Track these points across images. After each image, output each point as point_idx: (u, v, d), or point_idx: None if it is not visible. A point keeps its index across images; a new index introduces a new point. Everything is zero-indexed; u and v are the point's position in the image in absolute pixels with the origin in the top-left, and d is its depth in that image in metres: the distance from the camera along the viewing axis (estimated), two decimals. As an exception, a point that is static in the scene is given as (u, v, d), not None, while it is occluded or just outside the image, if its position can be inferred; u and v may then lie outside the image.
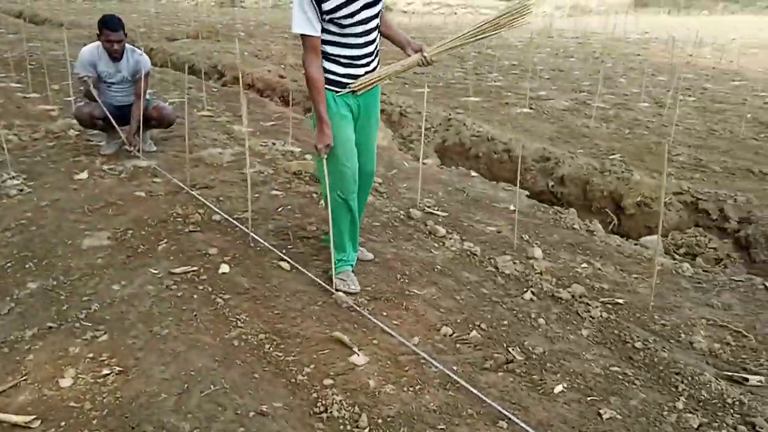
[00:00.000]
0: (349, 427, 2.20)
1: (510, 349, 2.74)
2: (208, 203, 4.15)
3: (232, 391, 2.37)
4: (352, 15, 2.68)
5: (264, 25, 18.86)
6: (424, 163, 5.71)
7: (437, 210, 4.39)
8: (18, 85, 7.86)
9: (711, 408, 2.39)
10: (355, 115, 2.96)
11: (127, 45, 4.81)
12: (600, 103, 8.25)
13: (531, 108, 7.84)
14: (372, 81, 2.89)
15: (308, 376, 2.47)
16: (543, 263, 3.60)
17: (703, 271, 3.77)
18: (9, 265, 3.22)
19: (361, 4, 2.69)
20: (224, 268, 3.32)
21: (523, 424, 2.23)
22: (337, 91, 2.85)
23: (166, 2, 30.42)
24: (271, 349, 2.64)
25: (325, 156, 2.88)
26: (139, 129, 4.96)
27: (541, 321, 3.00)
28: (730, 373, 2.61)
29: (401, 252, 3.66)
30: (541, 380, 2.54)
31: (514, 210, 4.59)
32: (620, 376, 2.59)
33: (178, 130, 5.67)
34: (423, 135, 4.45)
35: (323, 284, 3.17)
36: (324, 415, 2.25)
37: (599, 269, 3.62)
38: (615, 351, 2.78)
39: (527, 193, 5.21)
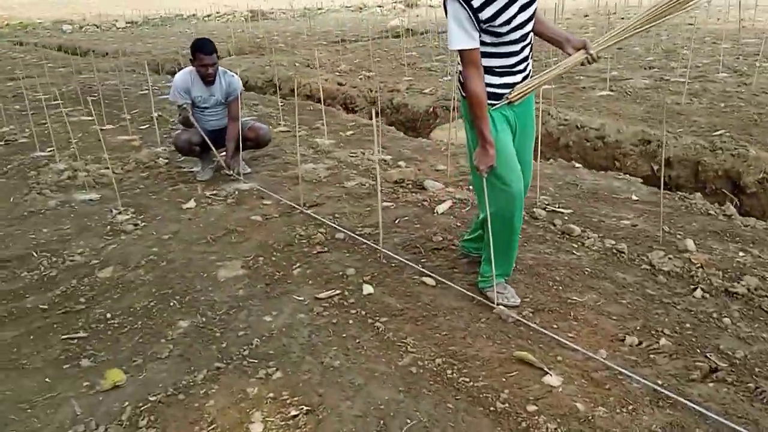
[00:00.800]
0: (576, 458, 2.03)
1: (708, 355, 2.53)
2: (327, 222, 4.03)
3: (432, 424, 2.22)
4: (509, 21, 2.47)
5: (300, 35, 18.82)
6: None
7: (559, 207, 4.18)
8: (89, 118, 7.92)
9: None
10: (512, 127, 2.76)
11: (219, 67, 4.73)
12: (679, 78, 7.88)
13: (612, 90, 7.53)
14: (529, 88, 2.66)
15: (508, 403, 2.30)
16: (700, 256, 3.36)
17: None
18: (153, 304, 3.14)
19: (518, 7, 2.48)
20: (368, 288, 3.18)
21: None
22: (493, 104, 2.64)
23: (196, 22, 30.74)
24: (454, 374, 2.48)
25: (486, 176, 2.69)
26: (238, 151, 4.88)
27: (726, 321, 2.77)
28: None
29: (542, 257, 3.47)
30: (757, 388, 2.32)
31: (637, 200, 4.35)
32: (844, 377, 2.35)
33: (264, 148, 5.58)
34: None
35: (478, 298, 3.00)
36: (544, 448, 2.08)
37: (759, 257, 3.36)
38: (823, 348, 2.54)
39: (640, 180, 4.95)
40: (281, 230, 3.95)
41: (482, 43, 2.51)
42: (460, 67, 2.59)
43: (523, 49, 2.61)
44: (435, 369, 2.53)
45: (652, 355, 2.55)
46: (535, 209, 4.10)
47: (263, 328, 2.88)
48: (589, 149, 6.07)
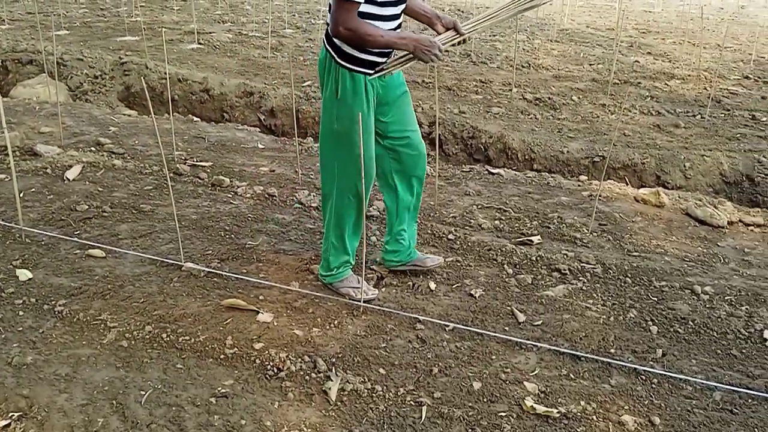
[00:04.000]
0: (313, 375, 2.32)
1: (372, 267, 3.09)
2: None
3: (169, 388, 2.20)
4: None
5: None
6: (128, 115, 5.31)
7: (198, 161, 4.26)
8: None
9: (527, 266, 3.20)
10: (380, 97, 2.60)
11: None
12: (253, 33, 8.52)
13: (200, 43, 7.68)
14: (403, 61, 2.52)
15: (235, 347, 2.42)
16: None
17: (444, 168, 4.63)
18: None
19: None
20: (24, 273, 2.80)
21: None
22: (369, 74, 2.49)
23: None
24: (171, 336, 2.46)
25: (441, 59, 2.49)
26: None
27: (377, 238, 3.40)
28: (519, 239, 3.47)
29: (203, 210, 3.56)
30: (414, 285, 2.98)
31: (264, 148, 4.75)
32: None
33: None
34: (168, 85, 4.18)
35: (160, 260, 2.96)
36: (283, 374, 2.30)
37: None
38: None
39: (258, 130, 5.34)
40: None
41: (368, 1, 2.34)
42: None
43: (399, 15, 2.51)
44: (148, 337, 2.45)
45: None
46: (177, 165, 4.09)
47: None
48: (196, 103, 6.18)
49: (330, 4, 2.39)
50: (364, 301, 2.73)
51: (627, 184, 4.67)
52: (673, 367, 2.48)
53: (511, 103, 6.14)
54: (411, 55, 2.48)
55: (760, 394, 2.33)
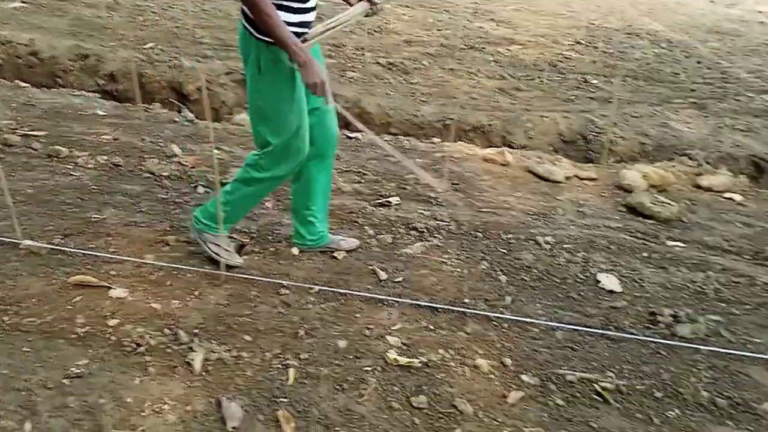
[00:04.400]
0: (175, 348, 2.24)
1: (234, 236, 3.02)
2: None
3: (17, 372, 2.03)
4: None
5: None
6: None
7: (30, 131, 3.87)
8: None
9: (387, 226, 3.29)
10: None
11: None
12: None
13: (24, 2, 6.88)
14: (322, 33, 2.37)
15: (88, 326, 2.27)
16: (188, 157, 3.78)
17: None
18: None
19: None
20: None
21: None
22: None
23: None
24: (14, 318, 2.27)
25: (325, 94, 2.33)
26: None
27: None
28: (379, 201, 3.55)
29: (40, 184, 3.27)
30: (276, 251, 2.96)
31: (105, 114, 4.41)
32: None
33: None
34: None
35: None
36: (142, 349, 2.20)
37: (231, 151, 4.01)
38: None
39: (98, 95, 4.94)
40: None
41: None
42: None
43: (313, 9, 2.39)
44: (-17, 322, 2.23)
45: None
46: (6, 135, 3.69)
47: None
48: (23, 67, 5.56)
49: None
50: (228, 268, 2.66)
51: (477, 145, 4.92)
52: (521, 312, 2.70)
53: (365, 67, 6.18)
54: (335, 26, 2.40)
55: (597, 331, 2.61)
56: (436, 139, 4.75)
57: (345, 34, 7.42)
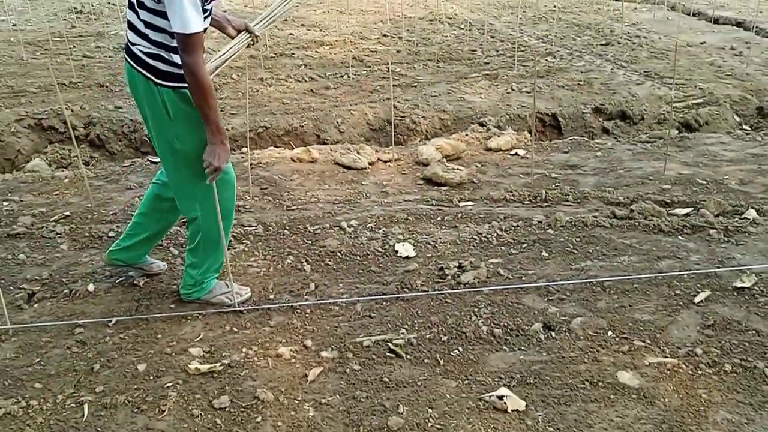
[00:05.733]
0: None
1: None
2: None
3: None
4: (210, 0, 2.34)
5: None
6: None
7: None
8: None
9: (191, 243, 3.30)
10: None
11: None
12: None
13: None
14: (215, 69, 2.40)
15: None
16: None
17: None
18: None
19: None
20: None
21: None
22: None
23: None
24: None
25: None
26: None
27: None
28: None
29: None
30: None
31: None
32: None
33: None
34: None
35: None
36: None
37: None
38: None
39: None
40: None
41: None
42: (164, 54, 2.29)
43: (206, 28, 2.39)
44: None
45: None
46: None
47: None
48: None
49: (133, 20, 2.31)
50: (239, 304, 2.72)
51: (292, 148, 5.03)
52: (324, 295, 2.83)
53: (170, 91, 6.09)
54: (224, 60, 2.46)
55: (392, 295, 2.80)
56: (244, 149, 4.80)
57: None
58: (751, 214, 3.34)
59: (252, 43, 2.59)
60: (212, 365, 2.36)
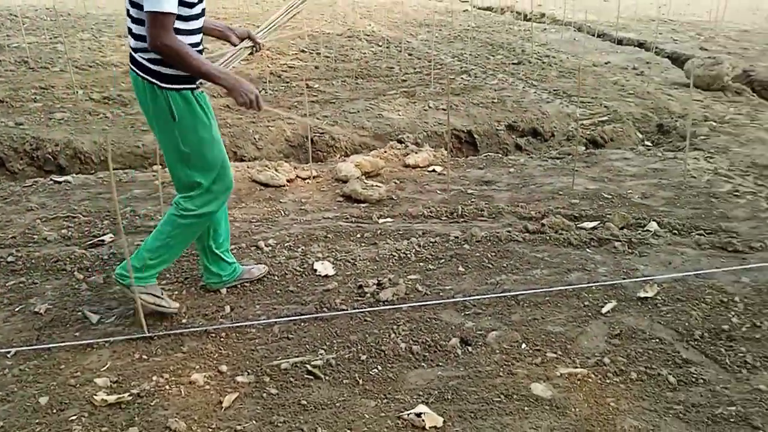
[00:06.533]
0: None
1: None
2: None
3: None
4: None
5: None
6: None
7: None
8: None
9: (100, 266, 3.13)
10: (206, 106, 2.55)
11: None
12: None
13: None
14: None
15: None
16: None
17: None
18: None
19: None
20: None
21: None
22: (195, 88, 2.41)
23: None
24: None
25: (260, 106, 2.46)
26: None
27: None
28: (90, 242, 3.36)
29: None
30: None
31: None
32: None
33: None
34: None
35: None
36: None
37: None
38: None
39: None
40: None
41: (177, 17, 2.30)
42: (139, 43, 2.36)
43: (201, 27, 2.47)
44: None
45: None
46: None
47: None
48: None
49: (132, 27, 2.37)
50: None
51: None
52: (240, 318, 2.75)
53: (77, 105, 5.81)
54: (227, 65, 2.52)
55: (310, 315, 2.76)
56: (156, 167, 4.64)
57: (54, 74, 6.94)
58: (653, 226, 3.53)
59: (254, 51, 2.70)
60: (120, 396, 2.24)
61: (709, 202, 3.92)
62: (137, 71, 2.41)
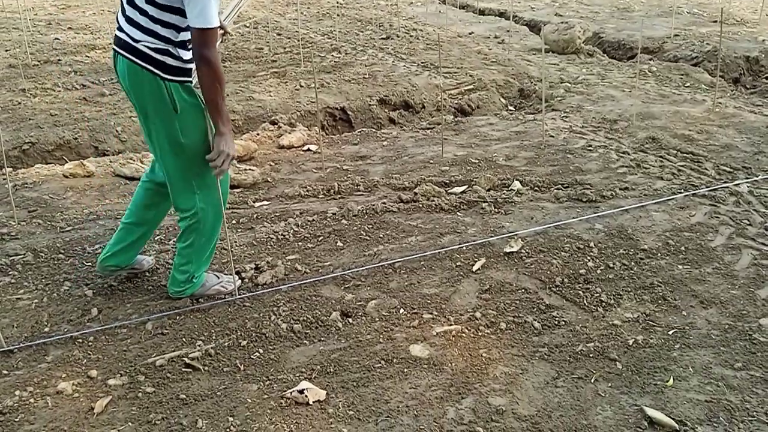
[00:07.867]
0: None
1: None
2: None
3: None
4: None
5: None
6: None
7: None
8: None
9: None
10: None
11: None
12: None
13: None
14: None
15: None
16: None
17: None
18: None
19: None
20: None
21: None
22: (192, 81, 2.45)
23: None
24: None
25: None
26: None
27: None
28: None
29: None
30: None
31: None
32: None
33: None
34: None
35: None
36: None
37: None
38: None
39: None
40: None
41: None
42: (171, 49, 2.37)
43: None
44: None
45: None
46: None
47: None
48: None
49: (135, 17, 2.34)
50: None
51: (63, 163, 4.58)
52: (109, 319, 2.62)
53: None
54: None
55: (185, 308, 2.67)
56: (8, 169, 4.28)
57: None
58: (516, 185, 3.73)
59: (222, 39, 2.63)
60: (-25, 418, 2.07)
61: (566, 158, 4.19)
62: (136, 60, 2.35)
